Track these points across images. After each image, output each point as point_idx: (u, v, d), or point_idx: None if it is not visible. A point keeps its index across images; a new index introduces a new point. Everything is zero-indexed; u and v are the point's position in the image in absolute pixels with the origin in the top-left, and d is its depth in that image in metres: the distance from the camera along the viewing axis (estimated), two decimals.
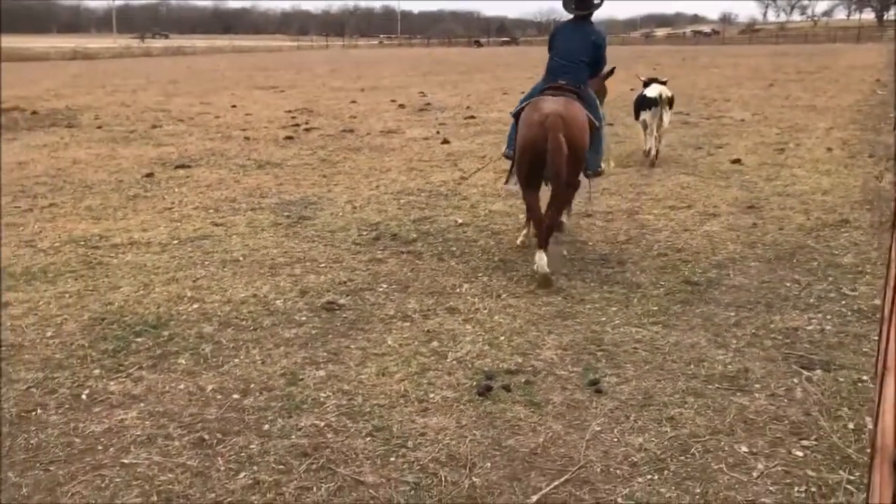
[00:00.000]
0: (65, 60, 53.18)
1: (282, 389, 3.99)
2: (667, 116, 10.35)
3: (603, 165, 6.71)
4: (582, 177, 6.33)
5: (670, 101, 10.45)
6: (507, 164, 7.05)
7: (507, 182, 6.73)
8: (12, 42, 65.35)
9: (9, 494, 3.12)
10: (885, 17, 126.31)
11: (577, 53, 6.09)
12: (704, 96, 20.06)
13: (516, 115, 6.21)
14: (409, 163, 10.61)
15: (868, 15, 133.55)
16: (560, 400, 3.87)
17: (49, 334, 4.69)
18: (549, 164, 5.54)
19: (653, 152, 10.26)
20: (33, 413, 3.76)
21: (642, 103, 10.33)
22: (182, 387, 4.03)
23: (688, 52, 56.76)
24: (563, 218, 6.55)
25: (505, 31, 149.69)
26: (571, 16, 6.22)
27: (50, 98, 20.93)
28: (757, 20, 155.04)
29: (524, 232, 6.64)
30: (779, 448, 3.43)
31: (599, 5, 6.20)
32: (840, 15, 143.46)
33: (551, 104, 5.68)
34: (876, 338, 4.33)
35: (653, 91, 10.31)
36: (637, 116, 10.51)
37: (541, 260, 5.60)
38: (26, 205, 8.12)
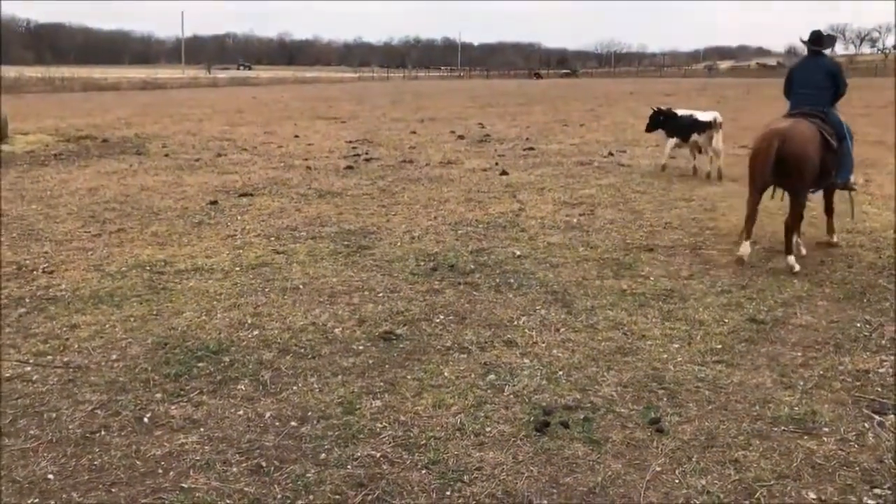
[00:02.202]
0: (135, 90, 55.05)
1: (339, 418, 3.99)
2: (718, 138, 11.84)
3: (852, 178, 7.58)
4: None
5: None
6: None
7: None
8: (87, 72, 67.97)
9: None
10: None
11: (816, 82, 7.27)
12: None
13: None
14: (467, 194, 10.64)
15: None
16: (620, 438, 3.79)
17: (114, 357, 4.80)
18: (759, 168, 6.72)
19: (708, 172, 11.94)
20: (97, 434, 3.83)
21: (693, 126, 11.89)
22: (241, 413, 4.07)
23: (752, 85, 55.96)
24: (801, 244, 7.30)
25: (565, 62, 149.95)
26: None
27: (120, 126, 21.65)
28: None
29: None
30: (849, 496, 3.29)
31: (833, 44, 7.63)
32: None
33: (782, 122, 6.95)
34: None
35: (708, 115, 11.87)
36: (687, 139, 12.01)
37: (743, 250, 6.89)
38: (95, 230, 8.37)
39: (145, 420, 3.99)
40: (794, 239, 6.94)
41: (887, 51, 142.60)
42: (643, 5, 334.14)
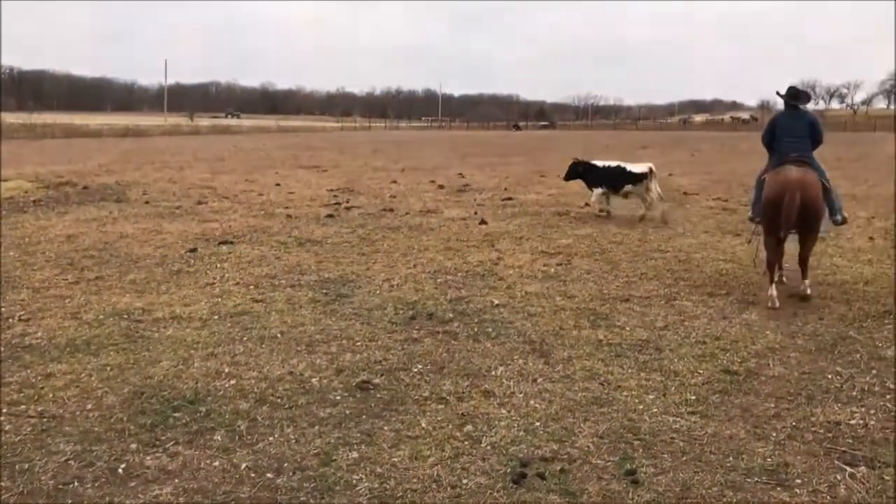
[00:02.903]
0: (117, 137, 55.10)
1: (315, 470, 3.98)
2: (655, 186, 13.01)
3: (845, 214, 8.34)
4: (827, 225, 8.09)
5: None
6: None
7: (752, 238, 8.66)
8: (69, 119, 68.03)
9: None
10: None
11: (800, 132, 7.91)
12: (743, 182, 20.04)
13: (760, 184, 8.03)
14: (446, 242, 10.73)
15: None
16: (595, 490, 3.81)
17: (89, 406, 4.77)
18: (786, 216, 7.31)
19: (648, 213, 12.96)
20: (70, 486, 3.80)
21: (626, 177, 12.97)
22: (217, 464, 4.05)
23: (726, 139, 57.06)
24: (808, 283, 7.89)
25: (544, 115, 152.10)
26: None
27: (101, 173, 21.65)
28: None
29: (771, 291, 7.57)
30: None
31: (808, 100, 8.22)
32: (880, 104, 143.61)
33: (794, 172, 7.51)
34: None
35: (641, 167, 13.05)
36: (618, 190, 13.13)
37: (772, 292, 7.40)
38: (73, 277, 8.33)
39: (119, 471, 3.95)
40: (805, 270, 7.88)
41: (856, 107, 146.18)
42: (620, 59, 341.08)
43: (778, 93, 8.21)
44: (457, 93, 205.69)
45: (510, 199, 16.29)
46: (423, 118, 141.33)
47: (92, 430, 4.43)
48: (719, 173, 23.19)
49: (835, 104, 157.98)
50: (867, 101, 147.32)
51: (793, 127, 7.96)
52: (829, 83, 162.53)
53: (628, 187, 13.03)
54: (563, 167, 15.18)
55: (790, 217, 7.33)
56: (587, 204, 15.24)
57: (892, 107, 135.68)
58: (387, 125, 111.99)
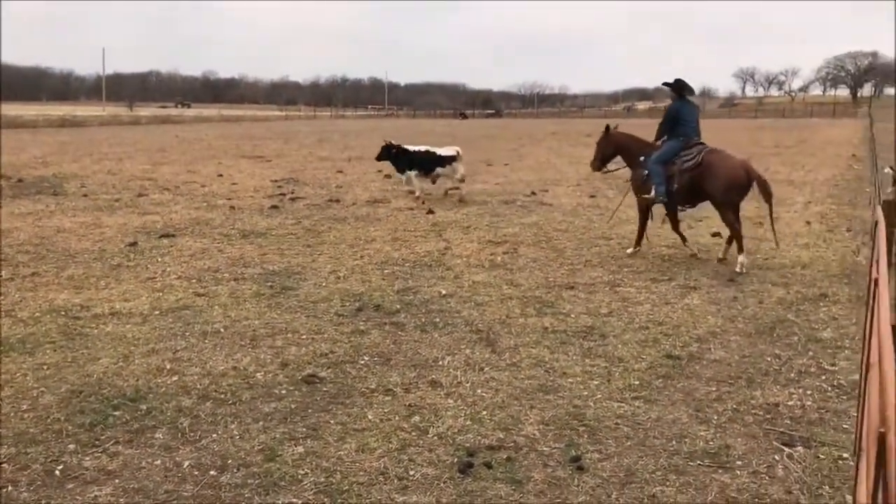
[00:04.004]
0: (53, 128, 53.55)
1: (259, 466, 3.93)
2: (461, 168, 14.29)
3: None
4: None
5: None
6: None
7: (652, 194, 9.01)
8: (2, 109, 65.81)
9: None
10: (859, 94, 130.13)
11: (695, 119, 9.10)
12: None
13: (664, 163, 8.87)
14: (393, 233, 10.69)
15: (843, 91, 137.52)
16: (541, 477, 3.83)
17: (24, 407, 4.62)
18: (764, 192, 8.49)
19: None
20: (4, 490, 3.68)
21: (437, 161, 14.06)
22: (158, 462, 3.97)
23: None
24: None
25: (490, 103, 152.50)
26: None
27: (37, 166, 21.00)
28: (736, 95, 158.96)
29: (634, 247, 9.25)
30: None
31: (693, 92, 9.21)
32: (816, 91, 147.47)
33: (732, 155, 9.01)
34: (856, 414, 4.34)
35: (450, 151, 14.23)
36: (430, 172, 14.15)
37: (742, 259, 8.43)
38: (7, 273, 8.07)
39: (57, 473, 3.85)
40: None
41: (793, 93, 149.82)
42: (565, 48, 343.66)
43: (667, 84, 9.11)
44: (403, 81, 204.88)
45: (457, 188, 16.28)
46: (370, 107, 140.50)
47: (27, 431, 4.30)
48: None
49: (773, 91, 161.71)
50: (804, 88, 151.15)
51: (692, 115, 9.05)
52: (767, 70, 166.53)
53: (438, 170, 14.23)
54: (510, 155, 15.24)
55: (747, 192, 8.56)
56: (533, 192, 15.34)
57: (827, 93, 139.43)
58: (332, 114, 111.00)
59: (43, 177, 18.07)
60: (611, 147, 9.71)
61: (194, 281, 7.81)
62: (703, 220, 11.71)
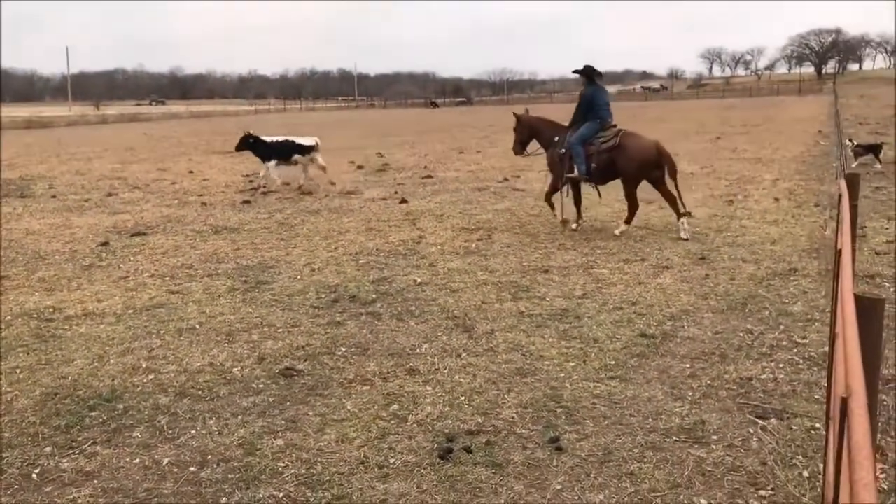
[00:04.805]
0: (18, 129, 52.70)
1: (239, 460, 3.93)
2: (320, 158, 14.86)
3: None
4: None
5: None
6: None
7: (575, 173, 9.61)
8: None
9: None
10: (823, 71, 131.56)
11: (608, 103, 9.74)
12: None
13: (583, 143, 9.47)
14: (367, 223, 10.67)
15: (808, 68, 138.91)
16: (521, 459, 3.87)
17: None
18: (670, 170, 9.32)
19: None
20: None
21: (296, 149, 14.59)
22: (137, 461, 3.95)
23: (637, 108, 58.24)
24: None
25: (460, 91, 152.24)
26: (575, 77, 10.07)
27: (3, 168, 20.69)
28: (703, 75, 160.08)
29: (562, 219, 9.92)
30: (737, 499, 3.46)
31: (601, 76, 9.90)
32: (782, 69, 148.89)
33: (643, 136, 9.82)
34: (826, 385, 4.42)
35: (310, 140, 14.82)
36: (289, 160, 14.54)
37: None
38: None
39: (34, 476, 3.82)
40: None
41: (760, 72, 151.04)
42: (533, 33, 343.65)
43: (577, 71, 9.80)
44: (373, 72, 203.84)
45: (430, 176, 16.30)
46: (339, 98, 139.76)
47: (2, 436, 4.26)
48: None
49: (740, 70, 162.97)
50: (770, 67, 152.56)
51: (604, 99, 9.72)
52: (734, 50, 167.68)
53: (297, 157, 14.66)
54: (482, 142, 15.25)
55: (673, 171, 9.32)
56: (505, 179, 15.38)
57: (793, 71, 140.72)
58: (302, 107, 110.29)
59: (9, 179, 17.80)
60: (525, 131, 10.35)
61: (168, 278, 7.76)
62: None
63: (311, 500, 3.54)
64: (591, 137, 9.51)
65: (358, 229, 10.25)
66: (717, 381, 4.78)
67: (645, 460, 3.83)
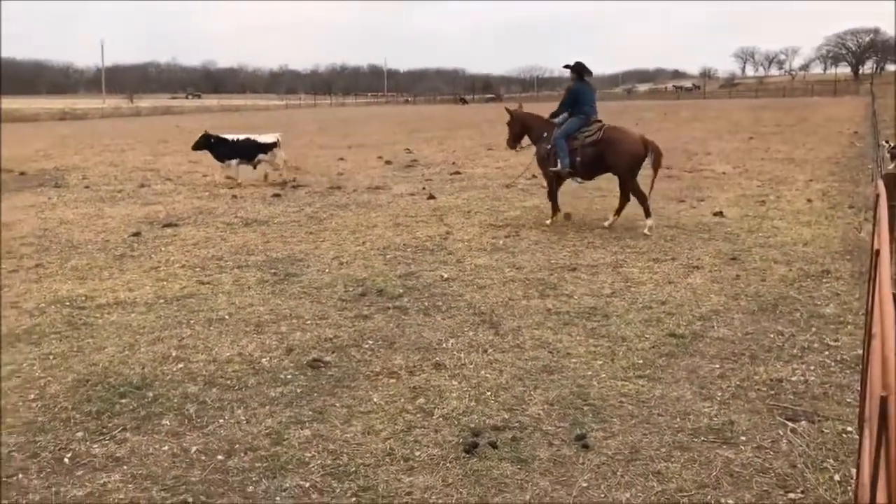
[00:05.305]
0: (54, 121, 53.52)
1: (266, 450, 3.96)
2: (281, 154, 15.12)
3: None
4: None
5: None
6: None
7: (558, 167, 9.86)
8: (2, 103, 65.71)
9: None
10: (860, 71, 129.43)
11: (593, 100, 9.95)
12: (686, 150, 20.37)
13: (567, 138, 9.72)
14: (395, 218, 10.69)
15: (844, 69, 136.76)
16: (547, 456, 3.86)
17: (32, 397, 4.65)
18: (656, 161, 9.48)
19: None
20: (15, 478, 3.71)
21: (258, 148, 14.72)
22: (166, 448, 4.00)
23: (670, 107, 57.80)
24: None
25: (490, 88, 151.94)
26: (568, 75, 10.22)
27: (39, 159, 21.02)
28: (736, 75, 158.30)
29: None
30: (765, 501, 3.43)
31: (591, 73, 10.00)
32: (817, 69, 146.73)
33: (632, 131, 10.04)
34: (859, 388, 4.36)
35: (270, 138, 14.93)
36: (252, 159, 14.72)
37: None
38: (12, 266, 8.10)
39: (66, 460, 3.88)
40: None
41: (794, 72, 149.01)
42: (564, 30, 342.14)
43: (567, 66, 10.00)
44: (402, 68, 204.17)
45: (458, 173, 16.29)
46: (369, 94, 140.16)
47: (35, 420, 4.33)
48: (662, 141, 23.44)
49: (774, 70, 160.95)
50: (805, 67, 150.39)
51: (589, 96, 9.90)
52: (767, 50, 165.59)
53: (261, 156, 14.76)
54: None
55: (658, 163, 9.55)
56: (534, 176, 15.32)
57: (828, 71, 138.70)
58: (332, 102, 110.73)
59: (45, 170, 18.09)
60: (517, 126, 10.59)
61: (198, 269, 7.83)
62: (706, 200, 11.71)
63: (337, 490, 3.56)
64: (573, 132, 9.73)
65: (386, 224, 10.28)
66: (747, 382, 4.73)
67: (672, 460, 3.80)
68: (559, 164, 9.78)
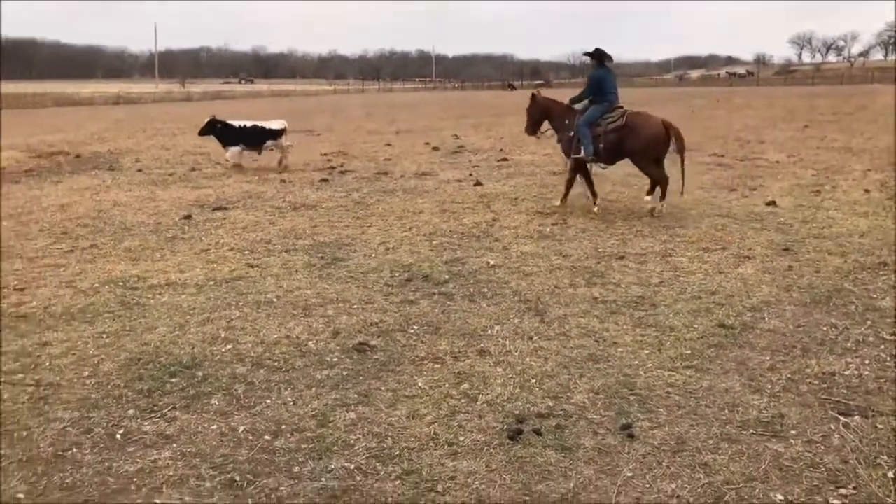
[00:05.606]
0: (108, 105, 54.64)
1: (312, 431, 4.00)
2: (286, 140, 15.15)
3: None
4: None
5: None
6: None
7: (582, 153, 9.93)
8: (59, 87, 67.34)
9: None
10: None
11: (615, 86, 9.97)
12: (739, 137, 19.98)
13: (590, 125, 9.76)
14: (441, 205, 10.69)
15: None
16: (591, 444, 3.83)
17: (86, 374, 4.77)
18: (679, 146, 9.52)
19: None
20: (69, 452, 3.81)
21: (266, 134, 14.75)
22: (214, 427, 4.07)
23: (722, 94, 56.72)
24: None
25: (538, 73, 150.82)
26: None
27: (93, 142, 21.49)
28: (792, 62, 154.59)
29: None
30: (815, 497, 3.36)
31: (612, 59, 10.06)
32: (877, 56, 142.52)
33: (654, 116, 9.89)
34: None
35: (278, 124, 14.97)
36: (260, 145, 14.79)
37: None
38: (68, 246, 8.31)
39: (118, 437, 3.97)
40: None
41: (853, 59, 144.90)
42: (616, 16, 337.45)
43: (587, 53, 10.11)
44: (450, 53, 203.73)
45: (505, 159, 16.22)
46: (417, 79, 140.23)
47: (89, 397, 4.44)
48: (715, 129, 23.04)
49: (832, 57, 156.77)
50: (864, 53, 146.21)
51: (612, 82, 9.93)
52: (825, 35, 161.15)
53: (269, 143, 14.80)
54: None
55: (682, 147, 9.56)
56: (603, 167, 15.16)
57: (889, 58, 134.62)
58: (380, 87, 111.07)
59: (99, 153, 18.49)
60: (538, 112, 10.53)
61: (247, 252, 7.94)
62: (758, 189, 11.48)
63: (382, 473, 3.58)
64: (597, 119, 9.78)
65: (432, 210, 10.29)
66: (798, 375, 4.63)
67: (720, 452, 3.74)
68: (583, 151, 9.85)
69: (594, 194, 10.20)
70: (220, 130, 14.89)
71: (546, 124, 10.59)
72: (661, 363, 4.85)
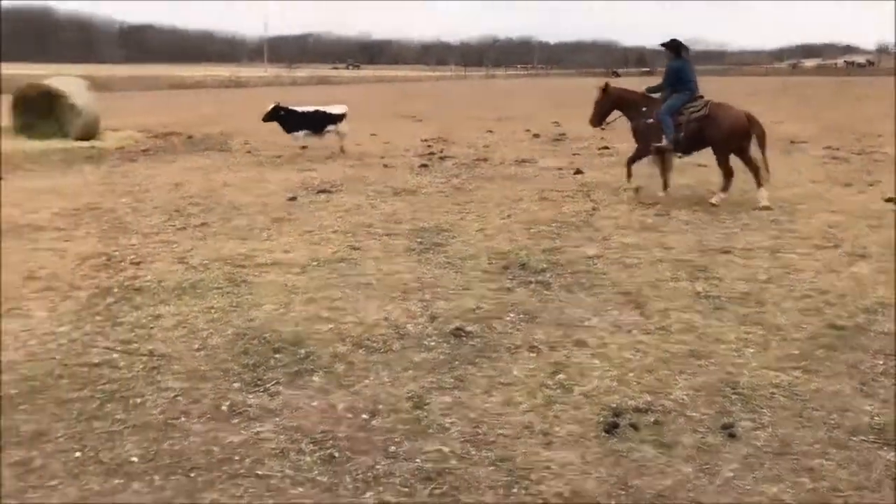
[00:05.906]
0: (219, 88, 56.59)
1: (409, 412, 4.06)
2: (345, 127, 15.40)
3: None
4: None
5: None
6: None
7: (664, 142, 9.94)
8: (173, 70, 70.16)
9: (154, 496, 3.32)
10: None
11: (694, 77, 10.04)
12: (856, 130, 19.02)
13: (672, 114, 9.79)
14: (541, 192, 10.62)
15: None
16: (691, 442, 3.75)
17: (196, 346, 4.99)
18: (760, 139, 9.63)
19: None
20: (178, 420, 4.00)
21: (328, 119, 15.09)
22: (315, 404, 4.18)
23: (837, 84, 54.12)
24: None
25: (644, 61, 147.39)
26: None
27: (205, 123, 22.33)
28: None
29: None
30: None
31: (688, 50, 10.25)
32: None
33: (734, 108, 9.99)
34: None
35: (340, 109, 15.34)
36: (321, 130, 15.08)
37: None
38: (180, 223, 8.68)
39: (224, 408, 4.13)
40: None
41: None
42: (724, 3, 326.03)
43: (664, 44, 10.19)
44: (553, 40, 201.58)
45: (607, 148, 15.96)
46: (519, 66, 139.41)
47: (198, 368, 4.64)
48: (830, 120, 22.01)
49: None
50: None
51: (691, 73, 10.02)
52: None
53: (330, 127, 15.08)
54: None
55: (762, 140, 9.64)
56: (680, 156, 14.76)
57: None
58: (483, 74, 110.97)
59: (210, 134, 19.21)
60: (609, 103, 10.60)
61: (349, 235, 8.10)
62: (876, 185, 10.92)
63: (476, 458, 3.61)
64: (679, 108, 9.83)
65: (531, 198, 10.24)
66: None
67: (827, 457, 3.59)
68: (664, 140, 9.85)
69: (666, 184, 10.28)
70: (283, 116, 15.19)
71: (613, 115, 10.64)
72: (766, 363, 4.69)
